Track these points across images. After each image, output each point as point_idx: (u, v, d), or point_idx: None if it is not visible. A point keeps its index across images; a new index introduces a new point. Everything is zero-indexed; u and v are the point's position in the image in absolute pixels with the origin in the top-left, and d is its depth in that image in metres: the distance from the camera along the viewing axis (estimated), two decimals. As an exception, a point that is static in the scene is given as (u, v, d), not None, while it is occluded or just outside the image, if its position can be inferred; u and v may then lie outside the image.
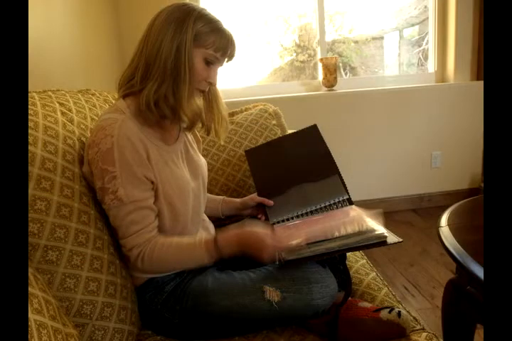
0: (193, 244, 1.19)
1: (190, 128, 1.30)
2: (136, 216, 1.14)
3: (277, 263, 1.15)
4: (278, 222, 1.42)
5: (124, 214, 1.13)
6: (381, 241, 1.13)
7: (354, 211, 1.31)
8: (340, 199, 1.42)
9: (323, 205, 1.42)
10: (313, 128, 1.65)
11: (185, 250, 1.19)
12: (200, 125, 1.36)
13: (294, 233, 1.23)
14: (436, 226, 1.46)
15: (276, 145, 1.73)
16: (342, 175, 1.48)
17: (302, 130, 1.69)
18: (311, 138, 1.63)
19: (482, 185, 3.52)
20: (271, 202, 1.51)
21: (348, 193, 1.43)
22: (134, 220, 1.14)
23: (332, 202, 1.42)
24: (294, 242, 1.14)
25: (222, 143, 1.91)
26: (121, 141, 1.10)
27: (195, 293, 1.19)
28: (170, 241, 1.18)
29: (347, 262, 1.48)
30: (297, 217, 1.42)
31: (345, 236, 1.14)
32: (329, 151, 1.55)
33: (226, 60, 1.28)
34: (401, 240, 1.12)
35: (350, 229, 1.15)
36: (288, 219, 1.42)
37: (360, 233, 1.13)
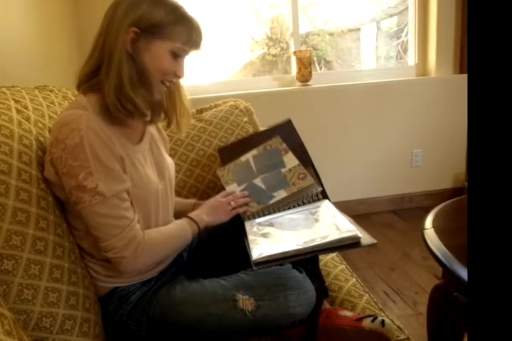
0: (177, 226, 1.30)
1: (153, 120, 1.30)
2: (122, 210, 1.13)
3: (249, 269, 1.16)
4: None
5: (108, 209, 1.11)
6: (355, 243, 1.14)
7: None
8: (314, 191, 1.43)
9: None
10: (288, 123, 1.70)
11: (174, 232, 1.27)
12: (162, 116, 1.35)
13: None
14: (421, 228, 1.46)
15: (249, 142, 1.75)
16: (318, 174, 1.50)
17: (276, 125, 1.74)
18: (285, 132, 1.67)
19: (466, 184, 3.57)
20: (245, 193, 1.52)
21: (322, 185, 1.45)
22: (121, 215, 1.13)
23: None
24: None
25: (184, 135, 1.90)
26: (90, 134, 1.08)
27: (162, 303, 1.19)
28: (156, 230, 1.25)
29: (325, 268, 1.49)
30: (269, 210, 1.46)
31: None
32: (303, 143, 1.60)
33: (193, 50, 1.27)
34: (375, 241, 1.13)
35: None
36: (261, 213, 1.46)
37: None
